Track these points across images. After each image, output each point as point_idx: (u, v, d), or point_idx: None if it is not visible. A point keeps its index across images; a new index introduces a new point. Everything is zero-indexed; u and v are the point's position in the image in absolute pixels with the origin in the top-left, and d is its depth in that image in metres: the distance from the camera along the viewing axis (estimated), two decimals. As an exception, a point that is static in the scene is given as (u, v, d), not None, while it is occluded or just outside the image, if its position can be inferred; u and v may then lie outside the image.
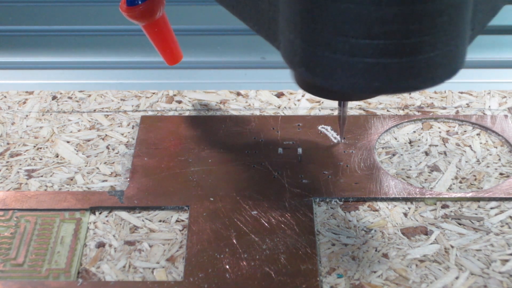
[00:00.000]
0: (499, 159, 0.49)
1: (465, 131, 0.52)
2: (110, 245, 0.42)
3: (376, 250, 0.42)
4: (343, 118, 0.48)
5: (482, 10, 0.36)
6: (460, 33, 0.33)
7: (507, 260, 0.41)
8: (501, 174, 0.47)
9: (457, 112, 0.53)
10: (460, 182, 0.47)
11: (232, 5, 0.40)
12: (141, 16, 0.46)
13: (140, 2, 0.46)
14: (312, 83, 0.40)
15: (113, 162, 0.49)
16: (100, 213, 0.45)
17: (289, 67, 0.36)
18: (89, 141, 0.51)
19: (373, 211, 0.44)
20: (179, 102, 0.55)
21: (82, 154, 0.50)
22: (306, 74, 0.34)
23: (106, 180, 0.47)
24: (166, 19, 0.48)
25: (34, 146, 0.50)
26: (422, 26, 0.31)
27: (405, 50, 0.31)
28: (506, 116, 0.52)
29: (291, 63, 0.35)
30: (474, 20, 0.35)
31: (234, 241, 0.42)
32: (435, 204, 0.45)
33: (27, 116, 0.54)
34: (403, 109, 0.54)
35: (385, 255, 0.41)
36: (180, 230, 0.43)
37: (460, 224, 0.43)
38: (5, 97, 0.56)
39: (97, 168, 0.48)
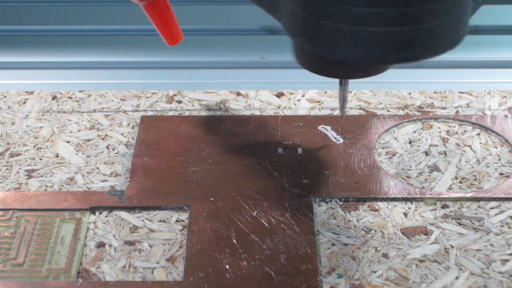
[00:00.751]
0: (499, 159, 0.49)
1: (465, 131, 0.52)
2: (110, 245, 0.42)
3: (376, 250, 0.42)
4: (344, 98, 0.47)
5: None
6: (462, 2, 0.32)
7: (507, 260, 0.41)
8: (501, 174, 0.47)
9: (457, 112, 0.53)
10: (460, 182, 0.47)
11: None
12: None
13: None
14: (313, 59, 0.39)
15: (113, 162, 0.49)
16: (100, 213, 0.45)
17: (290, 38, 0.35)
18: (89, 141, 0.51)
19: (373, 211, 0.44)
20: (179, 102, 0.55)
21: (82, 154, 0.50)
22: (308, 44, 0.34)
23: (106, 180, 0.47)
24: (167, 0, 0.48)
25: (34, 146, 0.50)
26: None
27: (407, 19, 0.31)
28: (506, 116, 0.52)
29: (292, 33, 0.35)
30: None
31: (234, 241, 0.42)
32: (435, 204, 0.45)
33: (27, 116, 0.54)
34: (403, 109, 0.54)
35: (385, 255, 0.41)
36: (180, 230, 0.43)
37: (460, 224, 0.43)
38: (5, 97, 0.56)
39: (97, 168, 0.48)
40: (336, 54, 0.33)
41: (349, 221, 0.44)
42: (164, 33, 0.49)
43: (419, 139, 0.51)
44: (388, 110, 0.54)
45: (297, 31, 0.34)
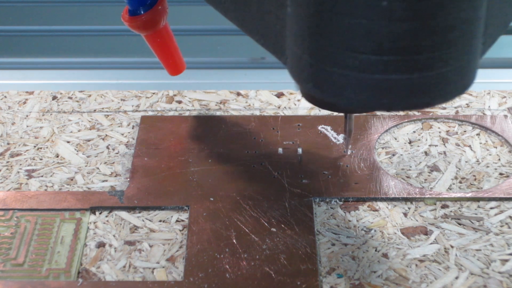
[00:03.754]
0: (499, 159, 0.49)
1: (465, 131, 0.52)
2: (110, 245, 0.42)
3: (376, 250, 0.42)
4: (349, 131, 0.47)
5: (493, 23, 0.35)
6: (471, 48, 0.32)
7: (506, 260, 0.41)
8: (500, 174, 0.47)
9: (457, 112, 0.53)
10: (460, 182, 0.47)
11: (238, 19, 0.40)
12: (144, 27, 0.46)
13: (142, 12, 0.45)
14: (319, 99, 0.39)
15: (113, 162, 0.49)
16: (100, 213, 0.45)
17: (296, 83, 0.35)
18: (89, 141, 0.51)
19: (373, 211, 0.44)
20: (179, 102, 0.55)
21: (82, 154, 0.50)
22: (314, 91, 0.33)
23: (106, 180, 0.47)
24: (169, 29, 0.48)
25: (34, 146, 0.50)
26: (433, 41, 0.30)
27: (416, 66, 0.30)
28: (506, 116, 0.53)
29: (299, 79, 0.34)
30: (485, 34, 0.34)
31: (234, 241, 0.42)
32: (435, 204, 0.45)
33: (27, 116, 0.54)
34: (403, 109, 0.54)
35: (385, 255, 0.41)
36: (180, 230, 0.43)
37: (460, 224, 0.43)
38: (5, 97, 0.56)
39: (97, 168, 0.48)
40: (343, 101, 0.32)
41: (349, 221, 0.44)
42: (167, 63, 0.49)
43: (419, 139, 0.51)
44: (388, 110, 0.54)
45: (304, 77, 0.33)
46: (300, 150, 0.49)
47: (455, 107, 0.54)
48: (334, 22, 0.30)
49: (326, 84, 0.32)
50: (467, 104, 0.54)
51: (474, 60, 0.33)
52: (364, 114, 0.53)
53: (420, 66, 0.30)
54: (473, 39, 0.32)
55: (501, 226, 0.43)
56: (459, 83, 0.32)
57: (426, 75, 0.31)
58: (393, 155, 0.49)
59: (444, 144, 0.50)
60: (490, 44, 0.36)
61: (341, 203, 0.45)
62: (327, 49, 0.31)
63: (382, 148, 0.50)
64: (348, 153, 0.49)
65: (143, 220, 0.44)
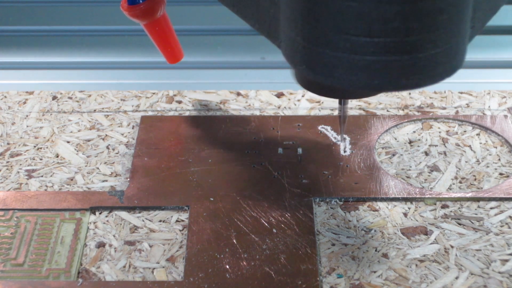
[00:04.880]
0: (499, 159, 0.49)
1: (465, 131, 0.52)
2: (110, 245, 0.42)
3: (376, 250, 0.42)
4: (344, 117, 0.48)
5: (482, 8, 0.36)
6: (460, 31, 0.33)
7: (506, 260, 0.41)
8: (501, 174, 0.47)
9: (457, 112, 0.53)
10: (460, 182, 0.47)
11: (233, 4, 0.40)
12: (142, 15, 0.46)
13: (141, 1, 0.46)
14: (313, 82, 0.40)
15: (113, 162, 0.49)
16: (100, 213, 0.45)
17: (290, 65, 0.36)
18: (89, 141, 0.51)
19: (373, 211, 0.44)
20: (179, 102, 0.55)
21: (82, 154, 0.50)
22: (307, 72, 0.34)
23: (106, 180, 0.47)
24: (167, 18, 0.48)
25: (34, 146, 0.50)
26: (422, 24, 0.31)
27: (405, 48, 0.31)
28: (506, 116, 0.53)
29: (292, 61, 0.35)
30: (474, 18, 0.35)
31: (234, 241, 0.42)
32: (435, 204, 0.45)
33: (27, 116, 0.54)
34: (403, 109, 0.54)
35: (385, 255, 0.41)
36: (180, 230, 0.43)
37: (460, 224, 0.43)
38: (5, 97, 0.56)
39: (97, 168, 0.48)
40: (336, 82, 0.33)
41: (349, 221, 0.44)
42: (165, 51, 0.50)
43: (419, 139, 0.51)
44: (388, 110, 0.54)
45: (297, 59, 0.34)
46: (300, 150, 0.49)
47: (455, 107, 0.54)
48: (326, 5, 0.31)
49: (318, 66, 0.33)
50: (467, 104, 0.54)
51: (463, 43, 0.34)
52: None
53: (410, 48, 0.31)
54: (462, 22, 0.33)
55: (501, 226, 0.43)
56: (448, 65, 0.33)
57: (416, 56, 0.32)
58: (393, 155, 0.49)
59: (444, 144, 0.50)
60: (479, 28, 0.37)
61: (341, 203, 0.45)
62: (319, 31, 0.32)
63: (382, 148, 0.50)
64: (342, 140, 0.49)
65: (143, 220, 0.44)
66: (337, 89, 0.41)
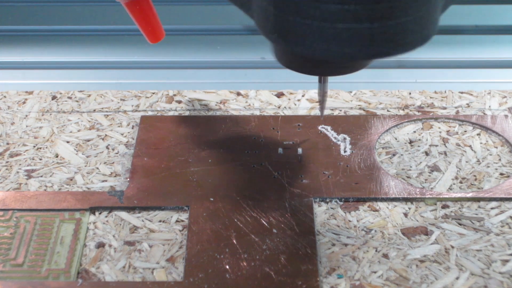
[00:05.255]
0: (499, 159, 0.49)
1: (465, 131, 0.52)
2: (110, 245, 0.42)
3: (376, 250, 0.42)
4: (323, 94, 0.47)
5: None
6: (431, 0, 0.33)
7: (507, 260, 0.41)
8: (501, 174, 0.47)
9: (457, 112, 0.53)
10: (461, 182, 0.47)
11: None
12: None
13: None
14: (291, 57, 0.39)
15: (113, 162, 0.49)
16: (100, 213, 0.45)
17: (263, 35, 0.36)
18: (89, 141, 0.51)
19: (373, 211, 0.44)
20: (179, 102, 0.55)
21: (82, 154, 0.50)
22: (279, 41, 0.34)
23: (106, 180, 0.47)
24: None
25: (34, 146, 0.50)
26: None
27: (375, 15, 0.32)
28: (506, 116, 0.52)
29: (264, 30, 0.35)
30: None
31: (234, 241, 0.42)
32: (435, 204, 0.45)
33: (26, 116, 0.54)
34: (403, 109, 0.54)
35: (385, 255, 0.41)
36: (180, 230, 0.43)
37: (460, 224, 0.43)
38: (5, 97, 0.56)
39: (97, 168, 0.48)
40: (307, 50, 0.33)
41: (349, 221, 0.44)
42: (146, 30, 0.50)
43: (419, 139, 0.51)
44: (388, 110, 0.54)
45: (269, 28, 0.35)
46: (300, 150, 0.49)
47: (456, 107, 0.54)
48: None
49: (289, 34, 0.34)
50: (467, 104, 0.54)
51: (434, 12, 0.34)
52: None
53: (380, 15, 0.32)
54: None
55: (502, 226, 0.43)
56: (418, 34, 0.33)
57: (386, 24, 0.32)
58: (393, 155, 0.49)
59: (445, 144, 0.50)
60: (452, 0, 0.37)
61: (341, 203, 0.45)
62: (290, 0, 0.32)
63: (382, 148, 0.50)
64: (322, 118, 0.50)
65: (143, 220, 0.44)
66: (316, 66, 0.40)
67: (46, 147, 0.50)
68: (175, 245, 0.42)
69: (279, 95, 0.56)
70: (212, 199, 0.45)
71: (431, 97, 0.55)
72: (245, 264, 0.40)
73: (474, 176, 0.47)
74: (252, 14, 0.37)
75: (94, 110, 0.54)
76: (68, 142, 0.51)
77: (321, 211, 0.44)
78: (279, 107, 0.54)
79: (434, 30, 0.34)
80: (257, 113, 0.54)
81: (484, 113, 0.53)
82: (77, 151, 0.50)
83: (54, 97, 0.56)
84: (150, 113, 0.54)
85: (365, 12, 0.31)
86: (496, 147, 0.50)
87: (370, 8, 0.31)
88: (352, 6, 0.31)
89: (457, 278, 0.40)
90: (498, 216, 0.44)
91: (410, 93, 0.55)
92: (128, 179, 0.47)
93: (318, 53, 0.33)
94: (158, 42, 0.50)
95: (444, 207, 0.45)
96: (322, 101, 0.47)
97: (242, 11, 0.39)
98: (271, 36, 0.35)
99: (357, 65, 0.39)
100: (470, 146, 0.50)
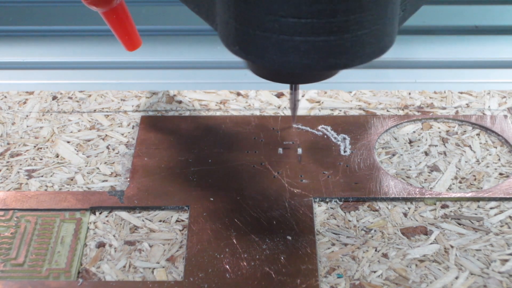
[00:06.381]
0: (499, 159, 0.49)
1: (464, 131, 0.52)
2: (110, 245, 0.42)
3: (376, 250, 0.42)
4: (295, 102, 0.48)
5: None
6: (387, 13, 0.34)
7: (506, 260, 0.41)
8: (500, 174, 0.47)
9: (457, 112, 0.53)
10: (460, 182, 0.47)
11: None
12: (98, 3, 0.47)
13: None
14: (262, 68, 0.40)
15: (113, 162, 0.49)
16: (100, 213, 0.45)
17: (225, 47, 0.36)
18: (89, 141, 0.51)
19: (373, 211, 0.44)
20: (179, 102, 0.55)
21: (82, 154, 0.50)
22: (240, 53, 0.35)
23: (106, 180, 0.47)
24: (125, 7, 0.49)
25: (35, 146, 0.50)
26: (348, 6, 0.32)
27: (332, 29, 0.32)
28: (505, 116, 0.53)
29: (227, 43, 0.36)
30: (405, 1, 0.36)
31: (234, 241, 0.42)
32: (435, 204, 0.45)
33: (27, 116, 0.54)
34: (403, 109, 0.54)
35: (385, 255, 0.41)
36: (180, 230, 0.43)
37: (459, 224, 0.43)
38: (5, 97, 0.56)
39: (97, 168, 0.48)
40: (267, 62, 0.34)
41: (349, 221, 0.44)
42: (123, 39, 0.50)
43: (419, 139, 0.51)
44: (388, 110, 0.54)
45: (231, 41, 0.35)
46: (300, 150, 0.49)
47: (455, 107, 0.54)
48: None
49: (250, 46, 0.34)
50: (467, 104, 0.54)
51: (391, 25, 0.35)
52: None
53: (336, 28, 0.32)
54: (389, 4, 0.34)
55: (501, 226, 0.43)
56: (375, 46, 0.34)
57: (342, 37, 0.33)
58: (393, 155, 0.49)
59: (444, 144, 0.50)
60: (411, 12, 0.38)
61: (341, 203, 0.45)
62: (250, 13, 0.33)
63: (382, 148, 0.50)
64: (294, 126, 0.50)
65: (143, 220, 0.44)
66: (285, 74, 0.41)
67: (47, 147, 0.50)
68: (175, 245, 0.42)
69: (279, 95, 0.56)
70: (212, 199, 0.45)
71: (430, 97, 0.55)
72: (245, 263, 0.41)
73: (474, 176, 0.47)
74: (216, 26, 0.38)
75: (95, 110, 0.54)
76: (68, 142, 0.51)
77: (320, 211, 0.44)
78: (279, 107, 0.54)
79: (391, 41, 0.35)
80: (257, 113, 0.54)
81: (484, 113, 0.53)
82: (77, 151, 0.50)
83: (54, 97, 0.56)
84: (150, 113, 0.54)
85: (322, 26, 0.32)
86: (496, 147, 0.50)
87: (326, 21, 0.32)
88: (310, 20, 0.32)
89: (457, 278, 0.40)
90: (498, 216, 0.44)
91: (409, 93, 0.56)
92: (129, 179, 0.47)
93: (277, 65, 0.34)
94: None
95: (443, 207, 0.45)
96: (293, 108, 0.48)
97: (207, 23, 0.39)
98: (233, 48, 0.36)
99: (323, 74, 0.40)
100: (469, 146, 0.50)
